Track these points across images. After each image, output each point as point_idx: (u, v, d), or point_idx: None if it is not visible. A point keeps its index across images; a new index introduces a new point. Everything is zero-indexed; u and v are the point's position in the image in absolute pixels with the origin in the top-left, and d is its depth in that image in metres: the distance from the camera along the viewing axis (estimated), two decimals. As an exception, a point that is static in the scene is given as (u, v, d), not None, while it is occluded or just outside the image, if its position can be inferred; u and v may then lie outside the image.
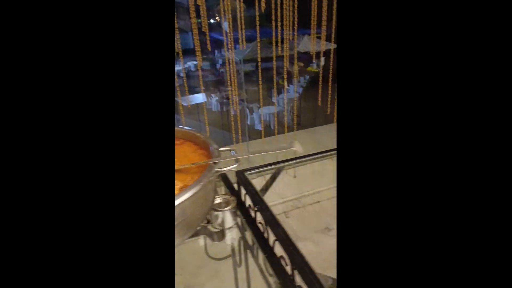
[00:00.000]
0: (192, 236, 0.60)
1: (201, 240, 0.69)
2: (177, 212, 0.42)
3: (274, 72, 2.31)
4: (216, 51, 5.26)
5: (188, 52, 2.92)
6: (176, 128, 0.63)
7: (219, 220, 0.63)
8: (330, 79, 2.33)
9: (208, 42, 1.86)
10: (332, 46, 2.63)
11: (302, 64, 4.15)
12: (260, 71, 2.17)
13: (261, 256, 0.62)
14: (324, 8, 2.10)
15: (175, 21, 1.71)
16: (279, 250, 0.57)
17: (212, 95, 4.38)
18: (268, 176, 0.92)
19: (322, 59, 2.73)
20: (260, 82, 2.26)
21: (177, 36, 1.85)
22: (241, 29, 1.93)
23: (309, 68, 4.33)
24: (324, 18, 2.14)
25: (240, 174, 0.77)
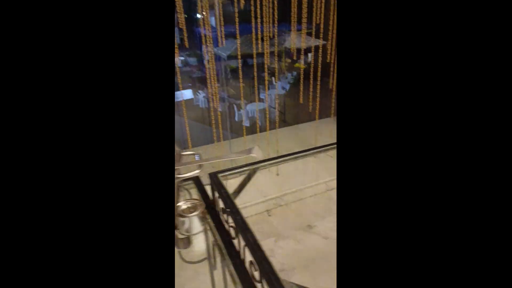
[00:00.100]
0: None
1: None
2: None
3: (255, 69, 2.28)
4: (202, 47, 5.20)
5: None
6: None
7: (186, 226, 0.61)
8: (312, 76, 2.31)
9: (185, 38, 1.83)
10: (321, 42, 2.61)
11: (289, 60, 4.12)
12: (240, 67, 2.14)
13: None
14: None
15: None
16: (248, 255, 0.56)
17: (200, 91, 4.33)
18: (242, 178, 0.90)
19: (309, 55, 2.71)
20: (241, 80, 2.24)
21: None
22: (221, 25, 1.90)
23: (296, 65, 4.31)
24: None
25: (213, 176, 0.75)
